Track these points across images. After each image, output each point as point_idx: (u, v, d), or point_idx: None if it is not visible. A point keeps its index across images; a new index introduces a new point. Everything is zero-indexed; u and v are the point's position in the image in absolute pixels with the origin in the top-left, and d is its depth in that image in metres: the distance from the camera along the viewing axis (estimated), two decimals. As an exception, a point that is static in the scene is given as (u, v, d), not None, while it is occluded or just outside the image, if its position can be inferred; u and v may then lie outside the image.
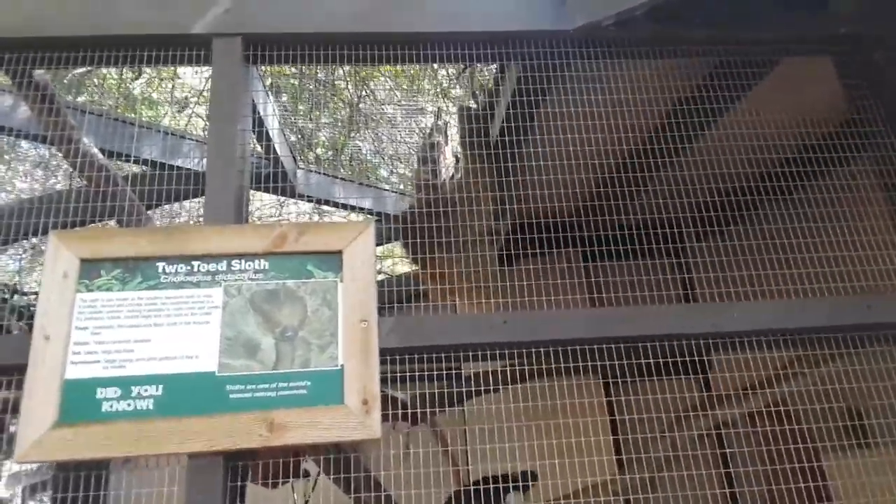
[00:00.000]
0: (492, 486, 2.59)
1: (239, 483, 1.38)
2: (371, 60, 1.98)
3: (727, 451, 3.66)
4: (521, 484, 2.74)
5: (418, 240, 2.68)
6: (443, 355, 1.61)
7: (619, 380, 3.77)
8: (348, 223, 1.53)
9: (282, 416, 1.36)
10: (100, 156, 2.22)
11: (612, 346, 1.69)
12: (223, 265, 1.48)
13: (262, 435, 1.34)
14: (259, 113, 2.39)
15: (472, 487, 2.79)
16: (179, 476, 1.39)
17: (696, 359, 1.80)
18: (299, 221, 1.61)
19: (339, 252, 1.52)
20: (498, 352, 1.63)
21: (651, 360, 1.73)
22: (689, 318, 1.67)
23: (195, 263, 1.48)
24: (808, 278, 1.99)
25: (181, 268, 1.47)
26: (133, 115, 5.15)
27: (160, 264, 1.48)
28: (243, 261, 1.49)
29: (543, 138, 2.83)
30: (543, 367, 2.95)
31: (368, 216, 3.91)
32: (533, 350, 1.64)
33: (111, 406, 1.35)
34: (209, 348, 1.41)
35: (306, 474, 2.76)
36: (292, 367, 1.41)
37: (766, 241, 2.35)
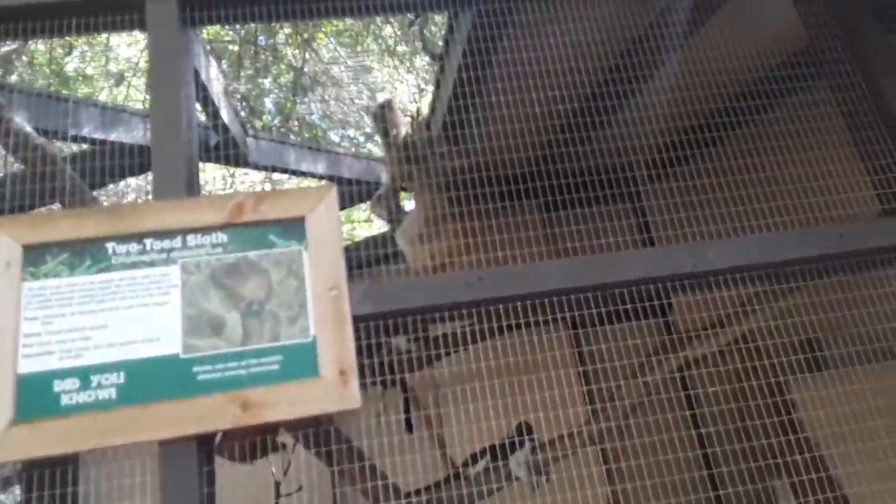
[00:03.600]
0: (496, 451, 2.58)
1: (214, 466, 1.33)
2: (316, 14, 1.87)
3: (691, 392, 3.71)
4: (522, 438, 2.72)
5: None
6: (412, 318, 1.56)
7: (588, 329, 3.77)
8: (309, 188, 1.45)
9: (255, 393, 1.30)
10: (34, 134, 2.08)
11: (581, 295, 1.66)
12: (178, 241, 1.39)
13: (237, 415, 1.28)
14: (202, 78, 2.27)
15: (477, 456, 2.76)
16: (152, 465, 1.33)
17: (658, 302, 1.79)
18: (256, 191, 1.55)
19: (302, 219, 1.45)
20: (475, 310, 1.59)
21: (619, 307, 1.71)
22: (667, 259, 1.65)
23: (147, 241, 1.39)
24: (767, 212, 1.98)
25: (132, 247, 1.38)
26: (67, 92, 4.92)
27: (109, 245, 1.38)
28: (199, 235, 1.40)
29: (498, 87, 2.76)
30: (511, 322, 2.93)
31: (324, 182, 3.80)
32: (510, 305, 1.60)
33: (70, 398, 1.27)
34: (171, 330, 1.33)
35: (283, 447, 2.72)
36: (262, 342, 1.34)
37: (722, 179, 2.34)
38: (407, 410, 3.25)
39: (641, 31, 2.74)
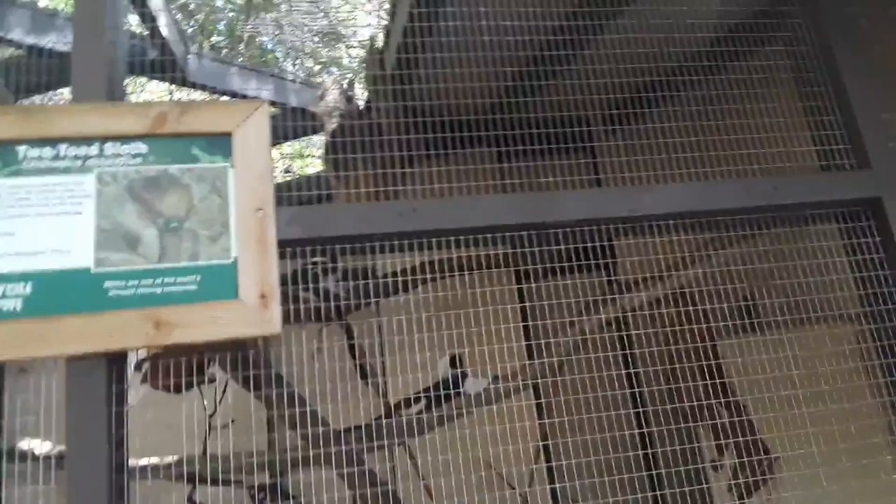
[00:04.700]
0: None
1: (124, 386, 1.28)
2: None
3: (631, 333, 3.78)
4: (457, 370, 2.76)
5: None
6: (347, 247, 1.52)
7: (530, 268, 3.77)
8: (238, 102, 1.38)
9: (169, 312, 1.25)
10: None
11: (524, 233, 1.64)
12: (94, 148, 1.31)
13: (149, 333, 1.23)
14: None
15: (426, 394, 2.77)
16: (60, 382, 1.28)
17: (597, 244, 1.78)
18: (182, 101, 1.46)
19: (229, 134, 1.38)
20: (407, 241, 1.55)
21: (559, 247, 1.70)
22: (603, 202, 1.63)
23: (62, 147, 1.30)
24: (716, 161, 1.99)
25: (46, 152, 1.30)
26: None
27: (21, 148, 1.29)
28: (118, 144, 1.32)
29: (450, 26, 2.67)
30: (454, 258, 2.91)
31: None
32: (444, 239, 1.57)
33: (-28, 307, 1.20)
34: (83, 242, 1.26)
35: (213, 379, 2.67)
36: (179, 260, 1.29)
37: (673, 125, 2.33)
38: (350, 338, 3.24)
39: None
